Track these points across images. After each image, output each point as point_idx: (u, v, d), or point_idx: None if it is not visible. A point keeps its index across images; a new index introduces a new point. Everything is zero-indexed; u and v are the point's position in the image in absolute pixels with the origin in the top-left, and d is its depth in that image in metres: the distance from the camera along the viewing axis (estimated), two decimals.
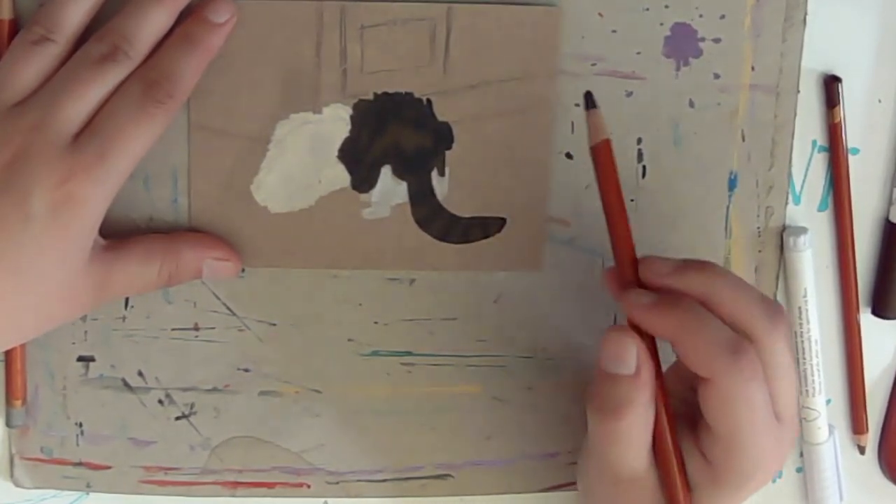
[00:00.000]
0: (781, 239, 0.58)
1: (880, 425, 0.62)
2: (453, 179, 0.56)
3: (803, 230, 0.59)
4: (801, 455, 0.62)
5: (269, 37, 0.53)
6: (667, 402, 0.50)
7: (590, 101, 0.50)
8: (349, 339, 0.57)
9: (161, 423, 0.58)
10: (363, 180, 0.55)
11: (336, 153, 0.55)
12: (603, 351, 0.50)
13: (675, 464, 0.50)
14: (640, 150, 0.56)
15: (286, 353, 0.57)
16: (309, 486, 0.59)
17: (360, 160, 0.55)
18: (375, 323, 0.57)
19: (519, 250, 0.57)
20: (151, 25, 0.50)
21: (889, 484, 0.62)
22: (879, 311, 0.60)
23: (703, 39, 0.56)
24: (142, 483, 0.58)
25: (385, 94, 0.54)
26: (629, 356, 0.49)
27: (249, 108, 0.54)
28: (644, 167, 0.57)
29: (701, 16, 0.55)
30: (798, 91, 0.57)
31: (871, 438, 0.62)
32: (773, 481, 0.62)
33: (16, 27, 0.52)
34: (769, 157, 0.57)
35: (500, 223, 0.56)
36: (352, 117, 0.55)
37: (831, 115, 0.58)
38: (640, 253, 0.51)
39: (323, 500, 0.59)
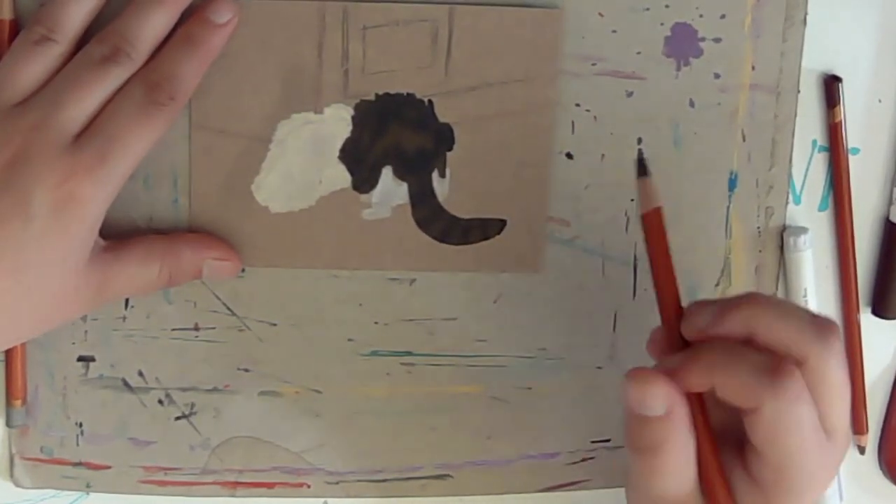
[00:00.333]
0: (781, 239, 0.58)
1: (880, 425, 0.62)
2: (454, 181, 0.56)
3: (803, 230, 0.59)
4: None
5: (270, 37, 0.53)
6: (709, 428, 0.48)
7: (642, 169, 0.49)
8: (349, 339, 0.57)
9: (161, 423, 0.58)
10: (364, 181, 0.55)
11: (337, 153, 0.55)
12: (628, 394, 0.48)
13: (722, 492, 0.48)
14: (640, 150, 0.56)
15: (286, 353, 0.57)
16: (309, 486, 0.59)
17: (361, 161, 0.55)
18: (376, 323, 0.57)
19: (519, 252, 0.57)
20: (153, 27, 0.50)
21: (889, 484, 0.62)
22: (879, 311, 0.60)
23: (703, 39, 0.56)
24: (142, 483, 0.58)
25: (386, 94, 0.54)
26: (654, 401, 0.47)
27: (251, 107, 0.54)
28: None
29: (701, 16, 0.55)
30: (798, 91, 0.57)
31: (871, 438, 0.62)
32: None
33: (16, 27, 0.52)
34: (769, 157, 0.57)
35: (500, 225, 0.56)
36: (353, 118, 0.54)
37: (831, 114, 0.58)
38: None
39: (323, 500, 0.59)
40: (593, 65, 0.55)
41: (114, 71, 0.50)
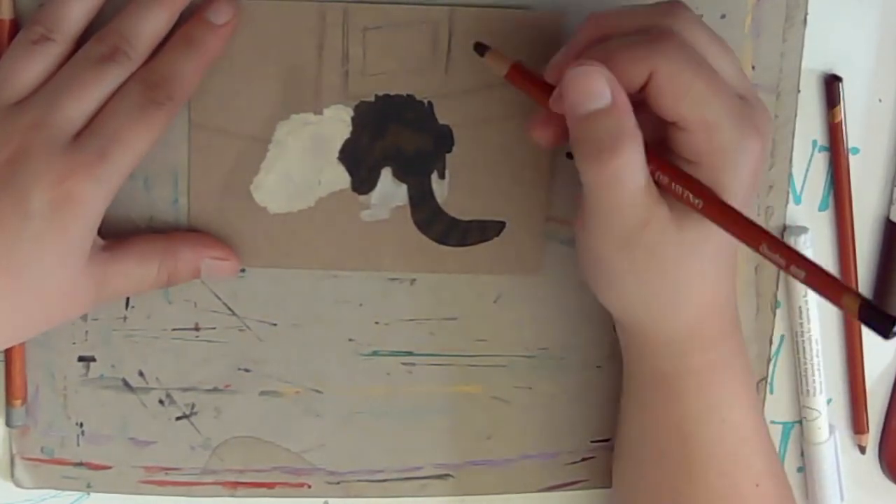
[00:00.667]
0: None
1: (880, 425, 0.62)
2: (453, 182, 0.55)
3: (804, 230, 0.59)
4: (802, 455, 0.62)
5: (270, 37, 0.53)
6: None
7: (480, 50, 0.52)
8: (349, 339, 0.57)
9: (161, 423, 0.58)
10: (363, 182, 0.55)
11: (336, 154, 0.55)
12: (570, 94, 0.47)
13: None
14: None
15: (286, 353, 0.57)
16: (309, 486, 0.59)
17: (360, 162, 0.55)
18: (376, 323, 0.57)
19: (518, 254, 0.57)
20: (152, 26, 0.50)
21: (889, 484, 0.63)
22: None
23: None
24: (142, 483, 0.58)
25: (386, 95, 0.54)
26: (601, 86, 0.46)
27: (250, 108, 0.54)
28: None
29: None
30: (798, 91, 0.57)
31: (872, 438, 0.62)
32: None
33: (16, 27, 0.52)
34: (769, 157, 0.57)
35: (498, 227, 0.56)
36: (353, 119, 0.54)
37: (832, 114, 0.58)
38: None
39: (323, 500, 0.59)
40: None
41: (113, 70, 0.50)
